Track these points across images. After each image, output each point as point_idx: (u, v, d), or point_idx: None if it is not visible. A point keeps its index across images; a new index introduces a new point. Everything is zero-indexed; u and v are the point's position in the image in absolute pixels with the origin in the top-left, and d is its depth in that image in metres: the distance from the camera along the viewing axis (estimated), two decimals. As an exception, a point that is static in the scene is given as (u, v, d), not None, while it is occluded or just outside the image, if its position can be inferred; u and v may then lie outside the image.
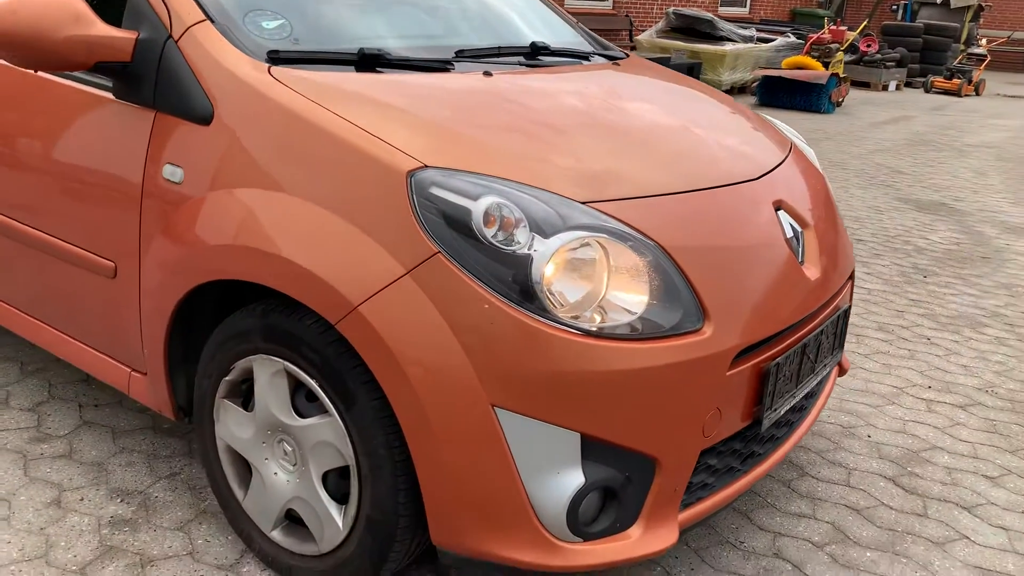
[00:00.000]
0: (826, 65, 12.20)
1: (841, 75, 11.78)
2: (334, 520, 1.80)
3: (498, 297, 1.55)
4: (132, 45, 1.89)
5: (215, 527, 2.12)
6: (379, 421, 1.66)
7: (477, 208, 1.58)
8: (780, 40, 12.89)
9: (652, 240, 1.65)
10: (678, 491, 1.72)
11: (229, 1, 1.96)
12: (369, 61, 1.96)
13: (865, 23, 14.52)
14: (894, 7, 19.28)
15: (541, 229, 1.58)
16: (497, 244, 1.57)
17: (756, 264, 1.81)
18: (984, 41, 16.90)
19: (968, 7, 17.60)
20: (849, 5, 21.18)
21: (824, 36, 12.51)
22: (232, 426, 1.93)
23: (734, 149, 2.09)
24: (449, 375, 1.56)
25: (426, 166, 1.62)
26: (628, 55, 2.75)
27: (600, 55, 2.62)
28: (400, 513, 1.70)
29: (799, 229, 2.03)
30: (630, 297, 1.61)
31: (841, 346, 2.23)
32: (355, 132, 1.67)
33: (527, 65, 2.26)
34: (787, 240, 1.93)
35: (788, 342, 1.88)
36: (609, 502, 1.67)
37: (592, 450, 1.60)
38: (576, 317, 1.57)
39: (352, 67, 1.94)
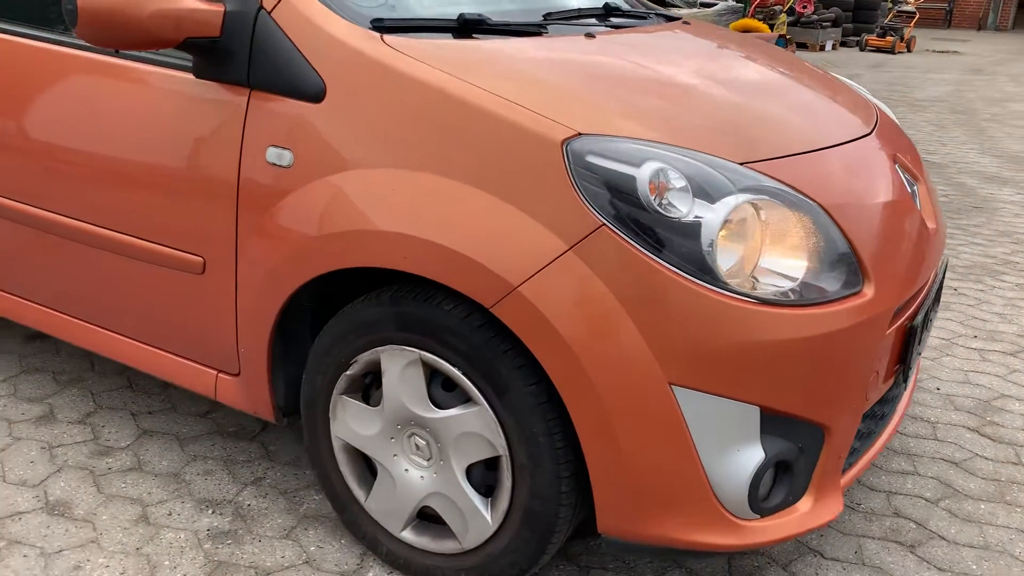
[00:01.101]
0: (771, 27, 12.33)
1: (786, 36, 11.93)
2: (481, 514, 1.70)
3: (670, 268, 1.46)
4: (220, 18, 1.73)
5: (324, 532, 2.00)
6: (537, 408, 1.57)
7: (641, 175, 1.49)
8: (721, 4, 12.96)
9: (812, 200, 1.59)
10: (841, 458, 1.67)
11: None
12: (469, 27, 1.84)
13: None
14: (823, -32, 19.58)
15: (706, 194, 1.50)
16: (663, 212, 1.48)
17: (896, 219, 1.76)
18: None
19: (894, -35, 18.00)
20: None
21: (767, -1, 12.63)
22: (352, 423, 1.81)
23: (840, 104, 2.04)
24: (623, 354, 1.47)
25: (580, 134, 1.52)
26: (680, 17, 2.67)
27: (658, 15, 2.54)
28: (561, 503, 1.62)
29: (913, 182, 1.99)
30: (798, 262, 1.55)
31: (939, 299, 2.21)
32: (496, 102, 1.55)
33: (611, 27, 2.16)
34: (910, 194, 1.89)
35: (921, 297, 1.85)
36: (782, 475, 1.61)
37: (769, 423, 1.54)
38: (750, 285, 1.50)
39: (450, 34, 1.82)
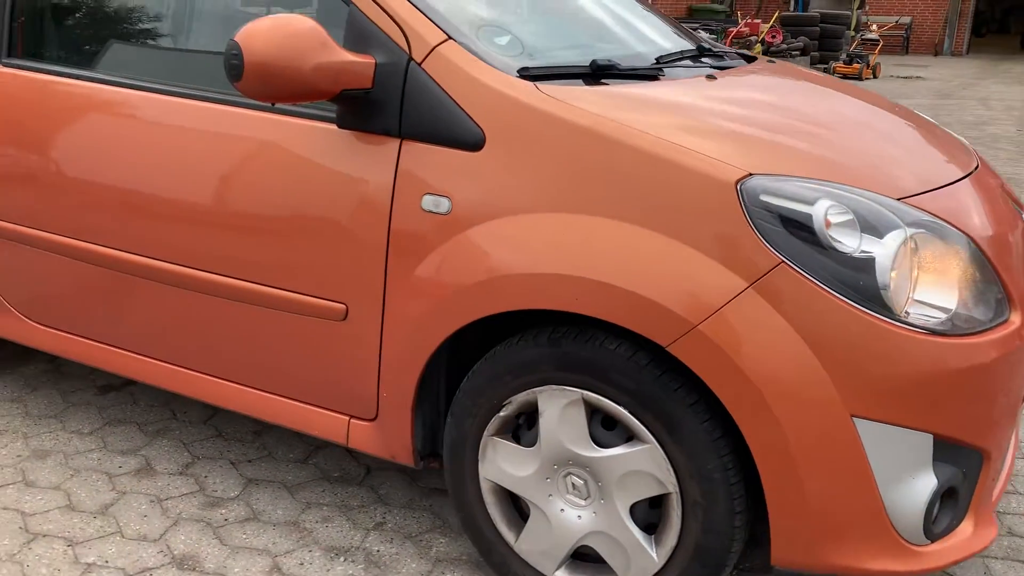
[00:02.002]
0: (748, 57, 12.61)
1: (764, 66, 12.22)
2: (646, 552, 1.72)
3: (848, 302, 1.51)
4: (372, 71, 1.76)
5: (462, 575, 2.00)
6: (711, 444, 1.60)
7: (817, 212, 1.54)
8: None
9: (963, 231, 1.65)
10: (995, 481, 1.73)
11: (461, 19, 1.85)
12: (600, 73, 1.89)
13: (777, 14, 15.09)
14: (786, -1, 20.13)
15: (874, 229, 1.56)
16: (837, 248, 1.53)
17: (1020, 247, 1.84)
18: (875, 27, 17.84)
19: (855, -5, 18.55)
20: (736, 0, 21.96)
21: (743, 30, 12.94)
22: (504, 464, 1.82)
23: (944, 141, 2.12)
24: (806, 388, 1.51)
25: (751, 174, 1.57)
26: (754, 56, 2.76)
27: (737, 55, 2.61)
28: (734, 537, 1.64)
29: (1020, 211, 2.07)
30: (953, 292, 1.61)
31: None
32: (663, 145, 1.60)
33: (716, 67, 2.22)
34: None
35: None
36: (947, 500, 1.66)
37: (941, 450, 1.59)
38: (922, 317, 1.55)
39: (581, 79, 1.87)
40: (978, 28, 24.55)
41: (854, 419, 1.52)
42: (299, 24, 1.67)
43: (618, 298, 1.57)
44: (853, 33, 18.42)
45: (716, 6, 19.35)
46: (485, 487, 1.87)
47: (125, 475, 2.38)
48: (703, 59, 2.34)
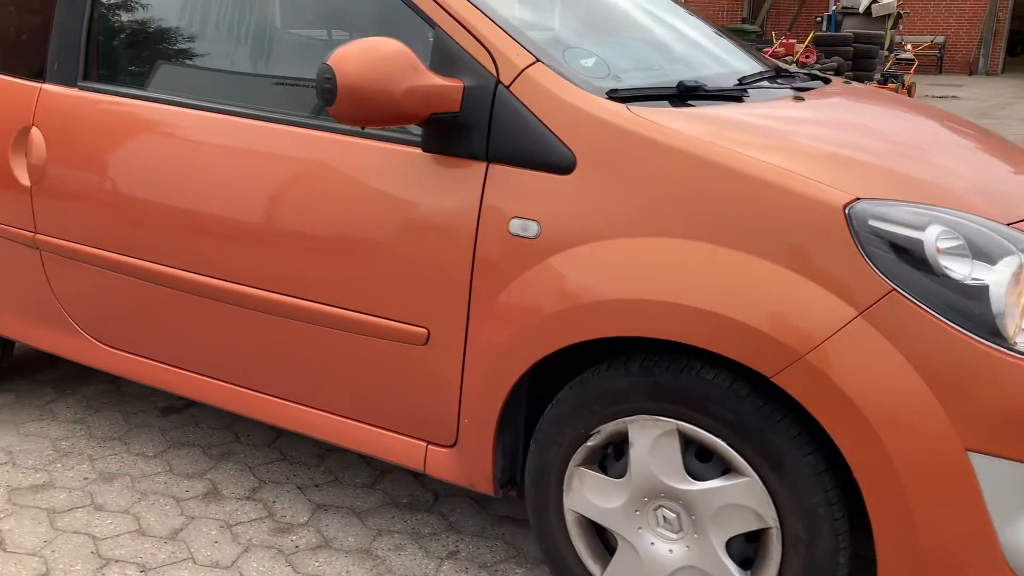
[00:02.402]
0: (784, 77, 12.54)
1: (800, 86, 12.15)
2: (741, 587, 1.66)
3: (961, 331, 1.45)
4: (460, 94, 1.73)
5: (542, 607, 1.96)
6: (815, 478, 1.55)
7: (928, 238, 1.49)
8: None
9: (1075, 259, 1.59)
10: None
11: (547, 41, 1.83)
12: (687, 94, 1.86)
13: (812, 34, 15.03)
14: (818, 18, 20.03)
15: (986, 255, 1.50)
16: (948, 275, 1.48)
17: None
18: (910, 46, 17.72)
19: (888, 15, 18.45)
20: (767, 20, 21.93)
21: (778, 50, 12.89)
22: (591, 496, 1.78)
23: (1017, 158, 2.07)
24: (919, 420, 1.46)
25: (859, 198, 1.52)
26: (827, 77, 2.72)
27: (811, 76, 2.57)
28: (837, 574, 1.59)
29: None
30: (1066, 320, 1.55)
31: None
32: (766, 168, 1.56)
33: (797, 88, 2.18)
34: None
35: None
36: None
37: (1055, 485, 1.53)
38: (1027, 345, 1.50)
39: (667, 101, 1.84)
40: (1012, 47, 24.30)
41: (969, 453, 1.46)
42: (390, 47, 1.66)
43: (719, 326, 1.53)
44: (887, 53, 18.30)
45: (748, 26, 19.30)
46: (569, 518, 1.83)
47: (193, 499, 2.36)
48: (779, 80, 2.30)
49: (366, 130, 1.89)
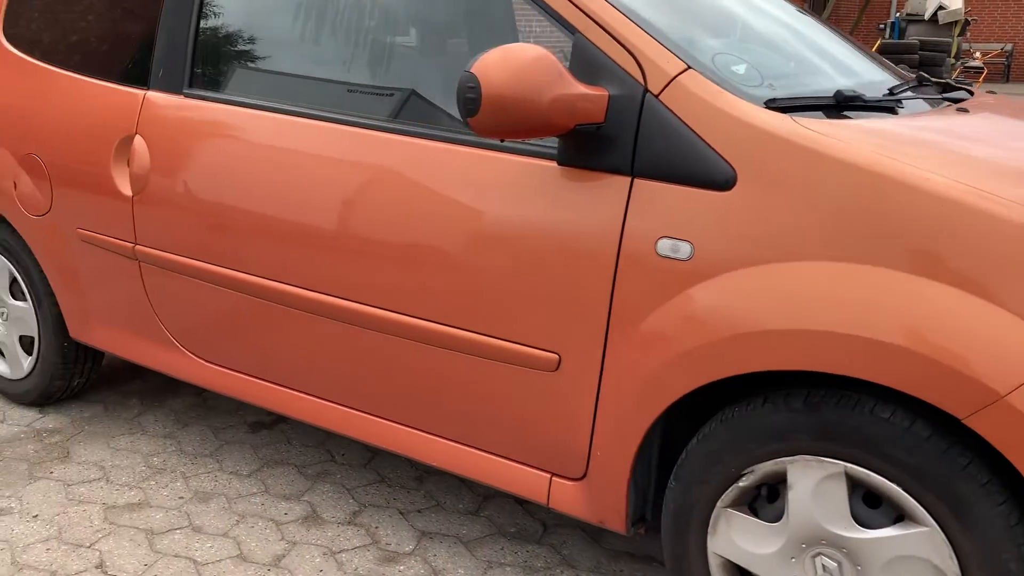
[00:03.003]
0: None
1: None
2: (916, 647, 1.51)
3: None
4: (605, 104, 1.62)
5: (675, 655, 1.82)
6: (1007, 530, 1.39)
7: None
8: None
9: None
10: None
11: (696, 46, 1.70)
12: (844, 104, 1.71)
13: (878, 42, 14.67)
14: (881, 25, 19.60)
15: None
16: None
17: None
18: (979, 54, 17.23)
19: (955, 22, 17.97)
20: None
21: (845, 57, 12.59)
22: (740, 540, 1.64)
23: None
24: None
25: (1065, 223, 1.37)
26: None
27: (954, 86, 2.40)
28: (1028, 637, 1.43)
29: None
30: None
31: None
32: (959, 189, 1.40)
33: (949, 100, 2.02)
34: None
35: None
36: None
37: None
38: None
39: (821, 111, 1.69)
40: (1083, 55, 23.54)
41: None
42: (535, 53, 1.54)
43: (902, 361, 1.38)
44: (953, 61, 17.82)
45: (808, 33, 18.94)
46: (714, 563, 1.69)
47: (292, 523, 2.26)
48: (922, 89, 2.15)
49: (495, 142, 1.78)
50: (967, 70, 16.91)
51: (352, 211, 1.93)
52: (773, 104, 1.61)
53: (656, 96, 1.60)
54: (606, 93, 1.62)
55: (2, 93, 2.65)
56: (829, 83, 1.91)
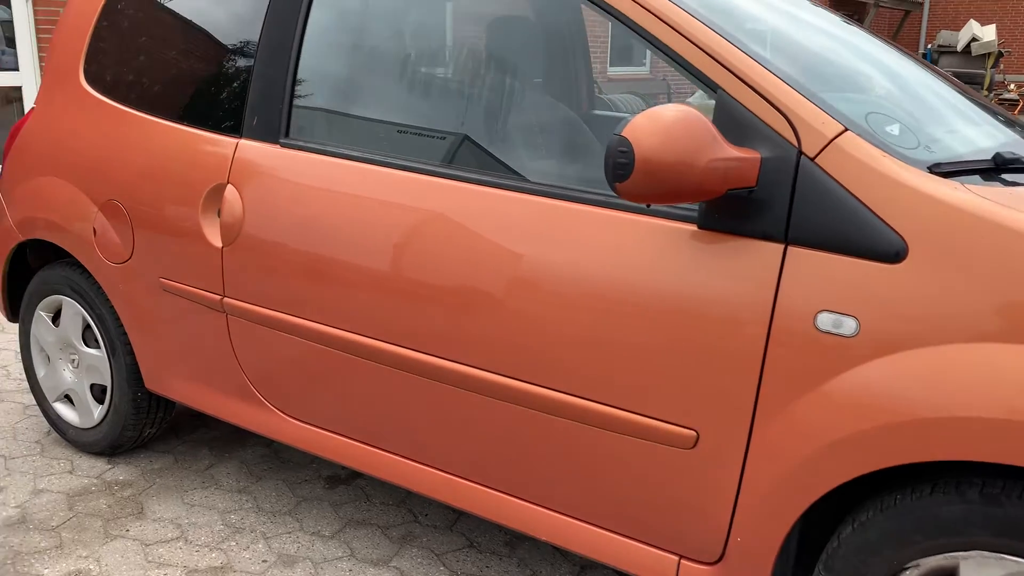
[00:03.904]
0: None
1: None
2: None
3: None
4: (757, 167, 1.52)
5: None
6: None
7: None
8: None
9: None
10: None
11: (849, 106, 1.61)
12: (1003, 167, 1.61)
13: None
14: (912, 57, 19.48)
15: None
16: None
17: None
18: (1013, 86, 17.07)
19: (989, 54, 17.84)
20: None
21: (883, 90, 12.48)
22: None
23: None
24: None
25: None
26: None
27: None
28: None
29: None
30: None
31: None
32: None
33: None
34: None
35: None
36: None
37: None
38: None
39: (978, 175, 1.59)
40: (1116, 87, 23.32)
41: None
42: (689, 116, 1.45)
43: (1103, 456, 1.27)
44: (987, 93, 17.67)
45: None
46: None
47: (384, 593, 2.16)
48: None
49: (622, 201, 1.69)
50: (1002, 102, 16.74)
51: (462, 271, 1.84)
52: (937, 169, 1.50)
53: (812, 159, 1.50)
54: (758, 156, 1.52)
55: (80, 136, 2.58)
56: (981, 141, 1.81)
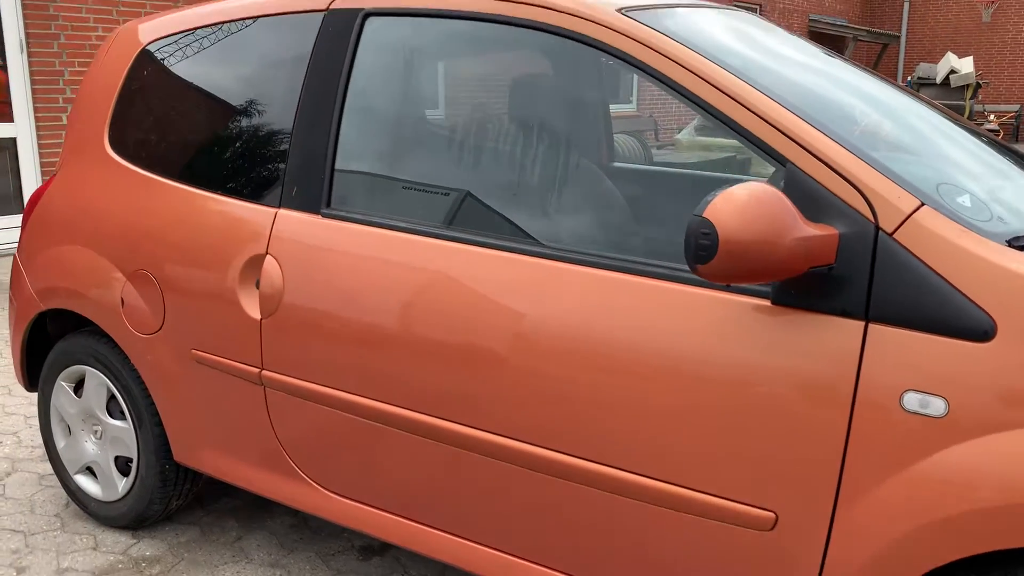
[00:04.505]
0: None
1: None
2: None
3: None
4: (836, 244, 1.49)
5: None
6: None
7: None
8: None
9: None
10: None
11: (922, 177, 1.59)
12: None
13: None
14: (892, 89, 19.78)
15: None
16: None
17: None
18: (993, 116, 17.37)
19: (968, 85, 18.15)
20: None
21: (869, 123, 12.64)
22: None
23: None
24: None
25: None
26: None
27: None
28: None
29: None
30: None
31: None
32: None
33: None
34: None
35: None
36: None
37: None
38: None
39: (1048, 247, 1.57)
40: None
41: None
42: (771, 195, 1.43)
43: None
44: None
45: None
46: None
47: (435, 675, 2.08)
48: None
49: (686, 274, 1.66)
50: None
51: (517, 345, 1.80)
52: (1018, 243, 1.49)
53: (890, 235, 1.48)
54: (836, 233, 1.50)
55: (106, 204, 2.53)
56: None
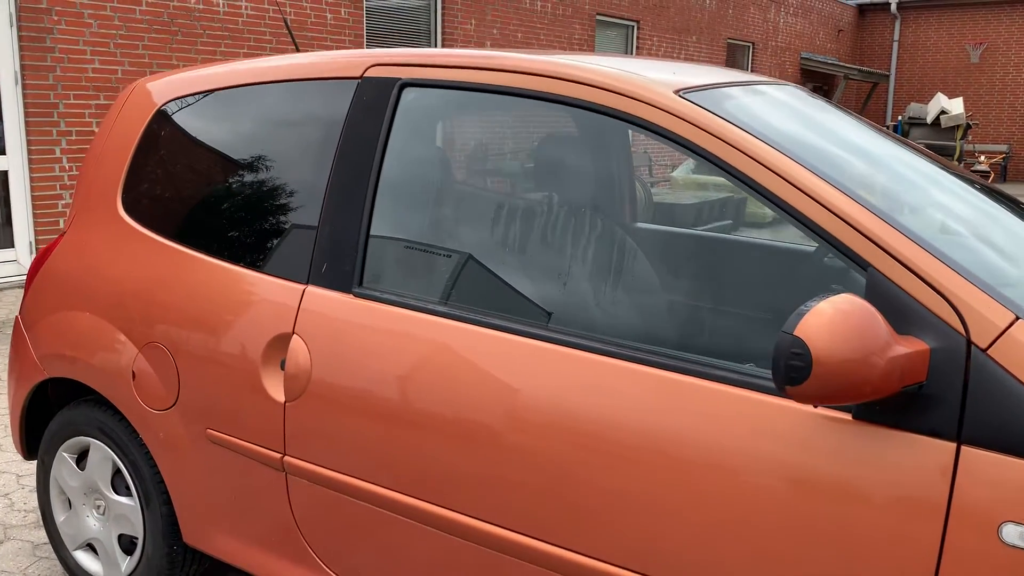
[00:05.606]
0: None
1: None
2: None
3: None
4: (927, 360, 1.39)
5: None
6: None
7: None
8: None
9: None
10: None
11: (1010, 283, 1.49)
12: None
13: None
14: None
15: None
16: None
17: None
18: (984, 157, 17.51)
19: (958, 126, 18.31)
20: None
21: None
22: None
23: None
24: None
25: None
26: None
27: None
28: None
29: None
30: None
31: None
32: None
33: None
34: None
35: None
36: None
37: None
38: None
39: None
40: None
41: None
42: (864, 311, 1.33)
43: None
44: (958, 163, 18.07)
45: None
46: None
47: None
48: None
49: (761, 383, 1.55)
50: (974, 173, 17.14)
51: (561, 441, 1.68)
52: (1111, 358, 1.39)
53: (984, 351, 1.38)
54: (927, 348, 1.40)
55: (118, 269, 2.41)
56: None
